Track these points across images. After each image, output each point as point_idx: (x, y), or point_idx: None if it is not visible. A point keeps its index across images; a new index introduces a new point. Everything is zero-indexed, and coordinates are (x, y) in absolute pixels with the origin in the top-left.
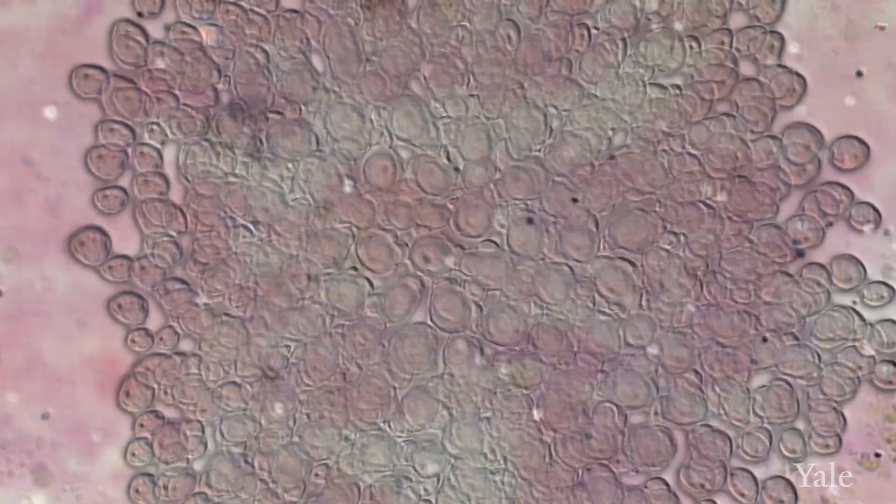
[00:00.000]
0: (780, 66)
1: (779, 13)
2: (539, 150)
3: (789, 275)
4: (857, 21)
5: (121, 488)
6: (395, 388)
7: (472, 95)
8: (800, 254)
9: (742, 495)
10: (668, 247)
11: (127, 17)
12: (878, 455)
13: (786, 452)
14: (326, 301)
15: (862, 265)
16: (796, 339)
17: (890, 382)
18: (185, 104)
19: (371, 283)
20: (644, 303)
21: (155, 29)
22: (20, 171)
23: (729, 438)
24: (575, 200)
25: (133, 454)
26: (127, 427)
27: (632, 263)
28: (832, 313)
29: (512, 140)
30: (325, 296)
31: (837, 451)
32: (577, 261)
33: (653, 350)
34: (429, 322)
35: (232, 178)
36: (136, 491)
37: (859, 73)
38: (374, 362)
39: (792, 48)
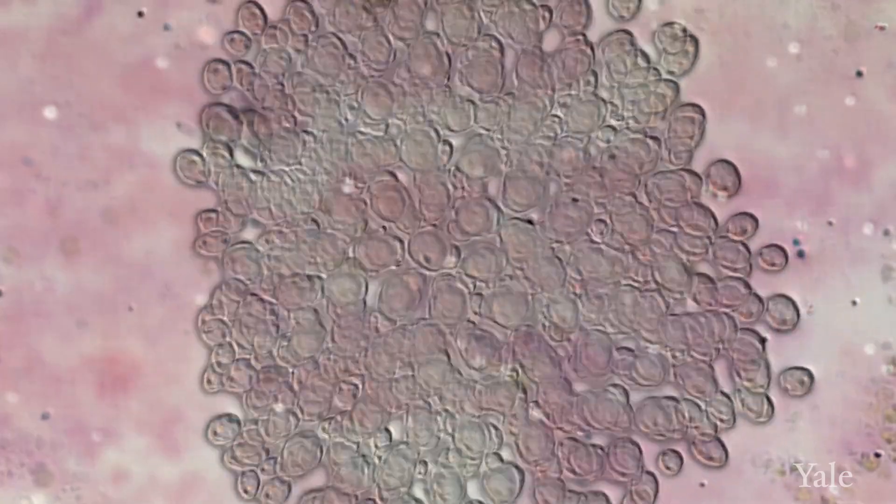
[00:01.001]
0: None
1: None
2: (538, 153)
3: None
4: (857, 21)
5: (121, 488)
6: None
7: (470, 100)
8: (800, 254)
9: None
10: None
11: (217, 58)
12: (878, 455)
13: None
14: (326, 299)
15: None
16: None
17: (794, 390)
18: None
19: (367, 282)
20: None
21: (156, 28)
22: (20, 171)
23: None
24: (575, 200)
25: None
26: (127, 426)
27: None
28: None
29: (512, 137)
30: (325, 294)
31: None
32: (566, 243)
33: (653, 350)
34: (429, 319)
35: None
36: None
37: (859, 73)
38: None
39: (792, 48)
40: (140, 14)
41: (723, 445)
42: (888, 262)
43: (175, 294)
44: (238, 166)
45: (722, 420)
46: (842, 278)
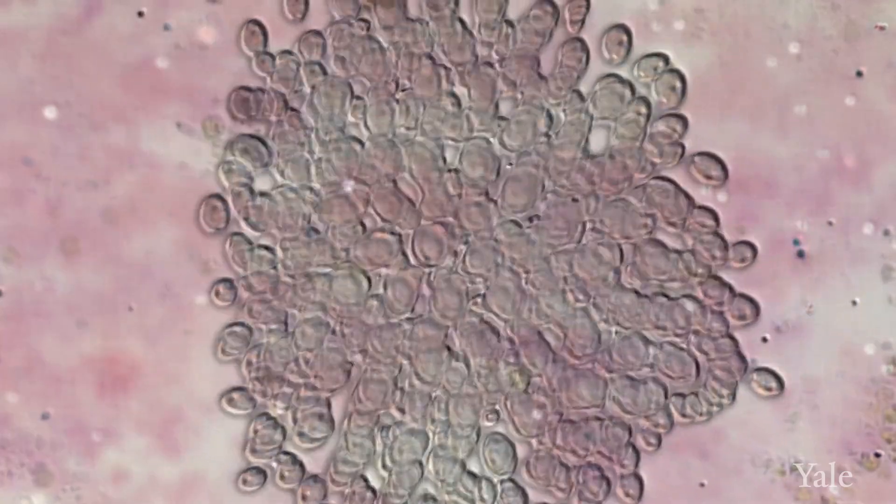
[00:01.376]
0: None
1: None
2: (538, 152)
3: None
4: (857, 21)
5: (121, 488)
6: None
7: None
8: (800, 254)
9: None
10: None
11: (243, 86)
12: (878, 455)
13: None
14: (324, 299)
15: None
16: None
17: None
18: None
19: (369, 280)
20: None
21: (157, 30)
22: (20, 171)
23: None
24: (575, 200)
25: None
26: (127, 426)
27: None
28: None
29: (511, 135)
30: (325, 293)
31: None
32: (563, 242)
33: (653, 351)
34: (429, 315)
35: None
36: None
37: (859, 73)
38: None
39: (792, 48)
40: (140, 14)
41: (668, 413)
42: (888, 262)
43: (175, 294)
44: (262, 194)
45: (700, 413)
46: (842, 278)
